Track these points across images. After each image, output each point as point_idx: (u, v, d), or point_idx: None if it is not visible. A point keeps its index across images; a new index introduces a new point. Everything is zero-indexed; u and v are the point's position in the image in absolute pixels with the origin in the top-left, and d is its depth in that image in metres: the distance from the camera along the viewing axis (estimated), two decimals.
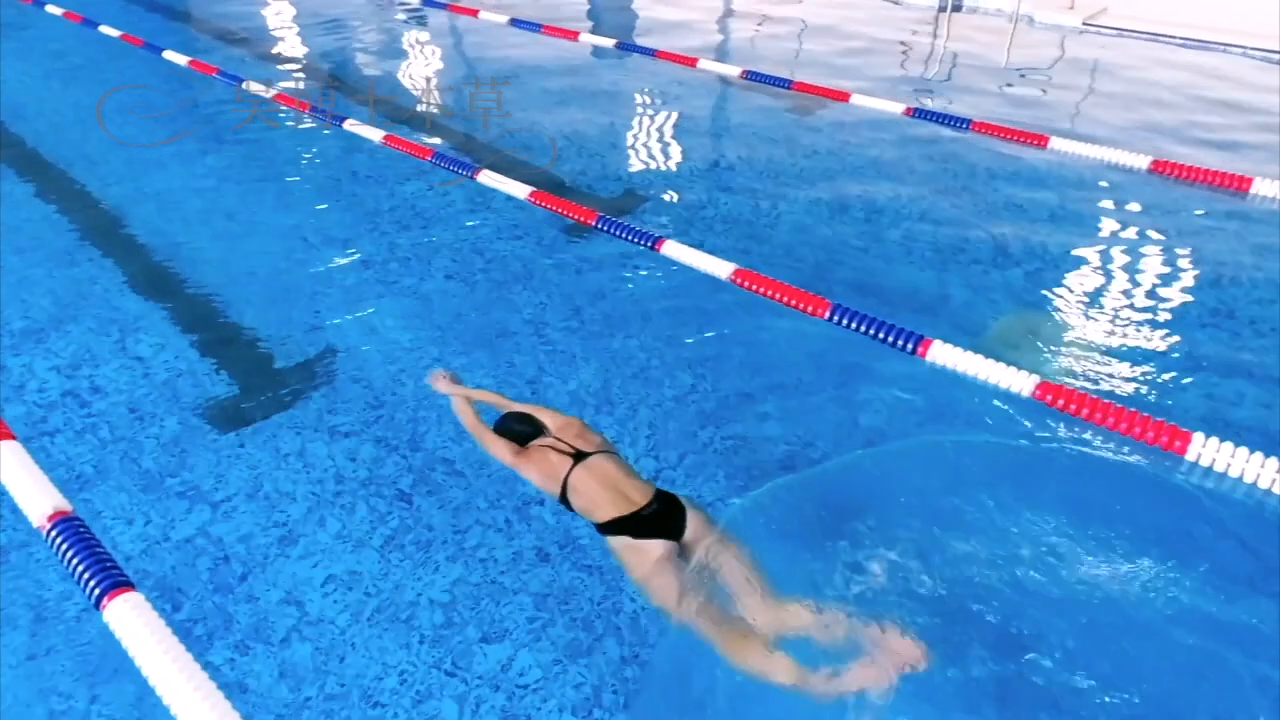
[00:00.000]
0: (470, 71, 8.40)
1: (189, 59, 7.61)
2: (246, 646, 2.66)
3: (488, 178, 5.28)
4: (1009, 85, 7.54)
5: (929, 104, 6.85)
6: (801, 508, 3.18)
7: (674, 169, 6.06)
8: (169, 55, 7.76)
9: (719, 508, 3.17)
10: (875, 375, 3.89)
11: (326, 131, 6.34)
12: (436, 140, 6.52)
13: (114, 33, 8.42)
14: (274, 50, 8.71)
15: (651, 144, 6.52)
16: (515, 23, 9.06)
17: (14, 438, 3.15)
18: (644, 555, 2.73)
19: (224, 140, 6.44)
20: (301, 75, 7.91)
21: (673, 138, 6.63)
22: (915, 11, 9.92)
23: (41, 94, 7.37)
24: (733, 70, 7.44)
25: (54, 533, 2.78)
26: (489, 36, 9.36)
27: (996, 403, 3.57)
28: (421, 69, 8.31)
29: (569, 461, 2.96)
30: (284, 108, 6.70)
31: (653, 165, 6.13)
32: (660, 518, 2.78)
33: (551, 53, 8.47)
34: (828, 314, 3.96)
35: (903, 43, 8.97)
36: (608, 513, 2.81)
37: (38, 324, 4.31)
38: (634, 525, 2.77)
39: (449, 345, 4.19)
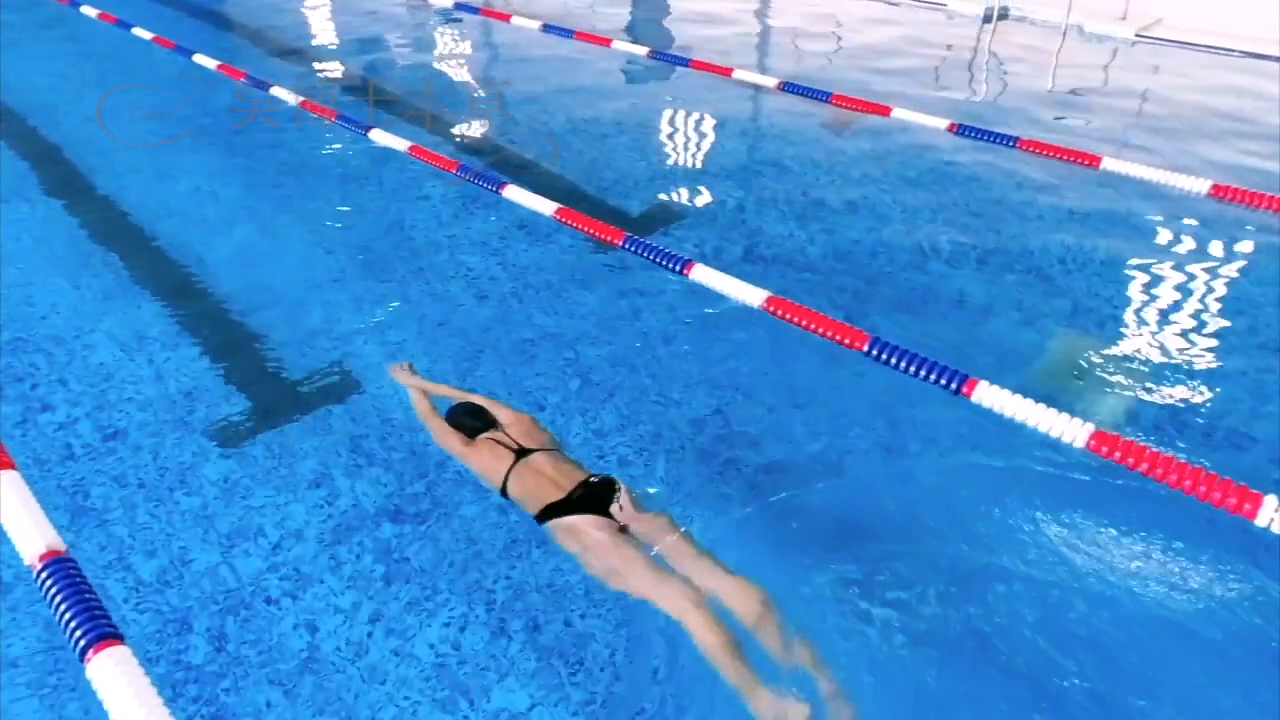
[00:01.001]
0: (500, 79, 8.25)
1: (218, 63, 7.54)
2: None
3: (514, 193, 5.11)
4: (1058, 100, 7.24)
5: (974, 120, 6.57)
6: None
7: (706, 184, 5.86)
8: (199, 59, 7.70)
9: (734, 539, 3.01)
10: (916, 413, 3.67)
11: (352, 140, 6.22)
12: (462, 148, 6.39)
13: (146, 35, 8.39)
14: (304, 55, 8.63)
15: (683, 157, 6.33)
16: (547, 28, 8.90)
17: (14, 466, 3.03)
18: (576, 532, 2.84)
19: (250, 147, 6.34)
20: (330, 81, 7.81)
21: (705, 151, 6.42)
22: (960, 21, 9.61)
23: (72, 96, 7.34)
24: (769, 81, 7.22)
25: (44, 574, 2.64)
26: (520, 42, 9.22)
27: (1047, 452, 3.32)
28: (450, 76, 8.17)
29: (511, 458, 3.09)
30: (311, 115, 6.59)
31: (684, 180, 5.94)
32: (590, 499, 2.89)
33: (583, 60, 8.30)
34: (866, 347, 3.74)
35: (946, 54, 8.69)
36: (540, 503, 2.95)
37: (57, 336, 4.22)
38: (565, 508, 2.89)
39: (469, 364, 4.04)
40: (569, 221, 4.83)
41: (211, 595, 2.90)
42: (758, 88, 7.38)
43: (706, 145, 6.55)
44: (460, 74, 8.27)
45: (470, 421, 3.33)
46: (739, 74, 7.47)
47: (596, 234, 4.68)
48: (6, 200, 5.58)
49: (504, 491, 3.09)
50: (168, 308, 4.48)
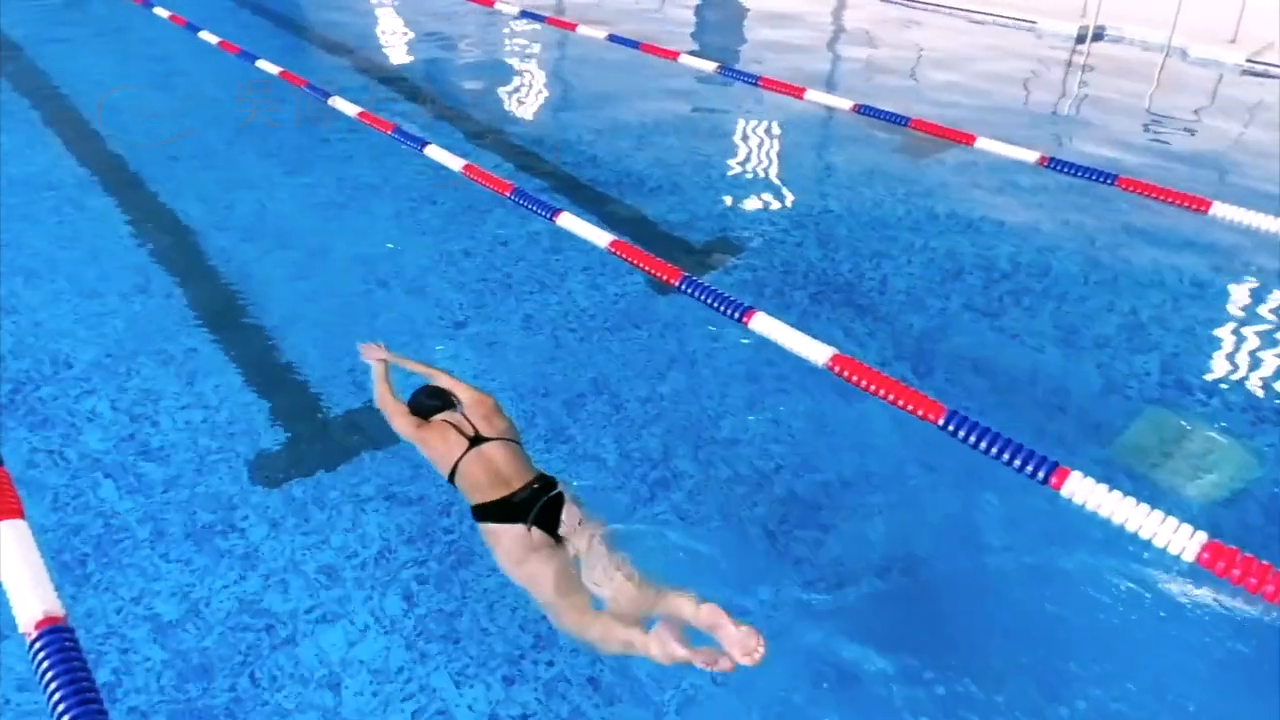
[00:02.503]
0: (562, 92, 8.02)
1: (280, 69, 7.46)
2: None
3: (568, 221, 4.85)
4: (1160, 133, 6.71)
5: (1066, 151, 6.10)
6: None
7: (771, 216, 5.52)
8: (262, 64, 7.63)
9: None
10: (996, 498, 3.30)
11: (407, 156, 6.05)
12: (519, 166, 6.16)
13: (213, 39, 8.38)
14: (366, 61, 8.52)
15: (749, 185, 5.99)
16: (613, 39, 8.64)
17: (21, 515, 2.87)
18: (506, 539, 2.79)
19: (309, 160, 6.22)
20: (390, 91, 7.66)
21: (772, 178, 6.08)
22: (1050, 41, 9.05)
23: (139, 100, 7.33)
24: (843, 103, 6.84)
25: (37, 644, 2.47)
26: (585, 53, 8.98)
27: (1150, 567, 2.92)
28: (510, 87, 7.96)
29: (464, 445, 3.02)
30: (368, 127, 6.45)
31: (748, 210, 5.61)
32: (530, 505, 2.82)
33: (648, 74, 8.01)
34: (941, 421, 3.38)
35: (1036, 77, 8.17)
36: (483, 497, 2.88)
37: (98, 361, 4.11)
38: (503, 510, 2.82)
39: (513, 399, 3.81)
40: (624, 256, 4.55)
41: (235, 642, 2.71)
42: (831, 110, 7.00)
43: (774, 171, 6.21)
44: (521, 86, 8.07)
45: (430, 402, 3.29)
46: (811, 94, 7.11)
47: (653, 271, 4.39)
48: (65, 206, 5.54)
49: (452, 478, 3.04)
50: (212, 330, 4.34)
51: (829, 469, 3.49)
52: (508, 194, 5.23)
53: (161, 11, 9.31)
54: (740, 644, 2.33)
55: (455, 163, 5.66)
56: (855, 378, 3.61)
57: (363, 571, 3.01)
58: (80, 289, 4.64)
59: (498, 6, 10.25)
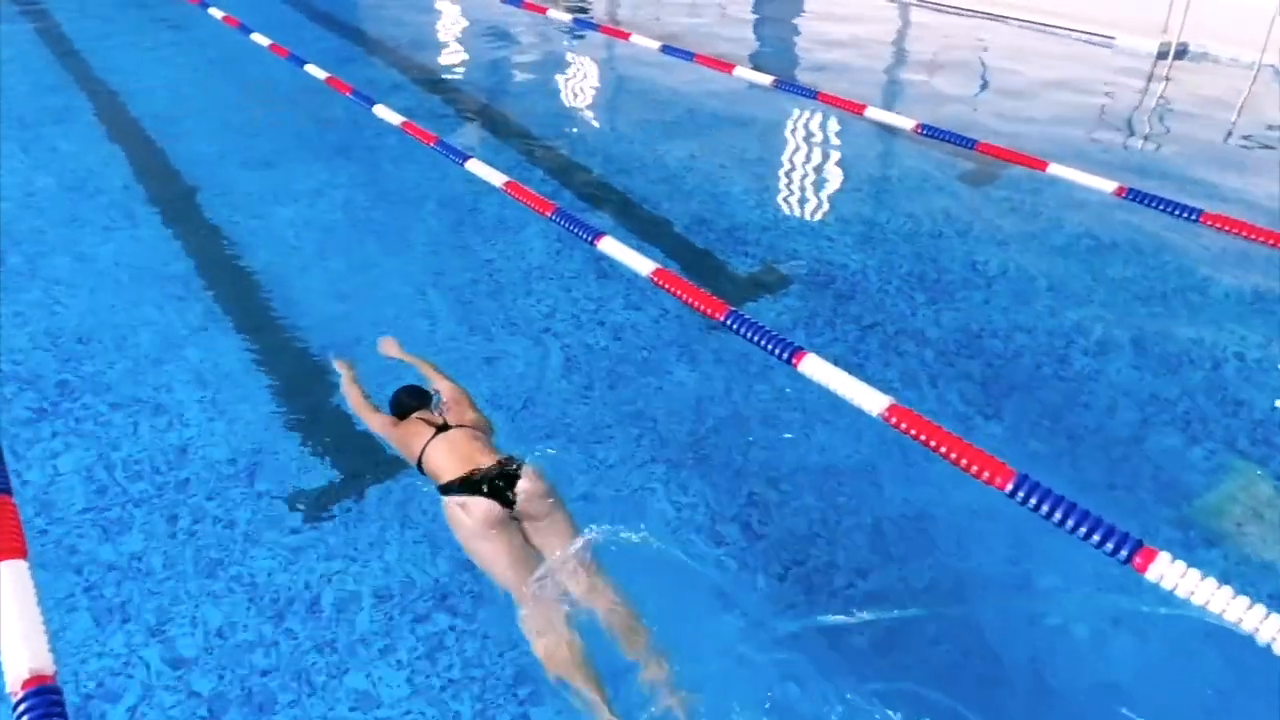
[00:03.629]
0: (612, 105, 7.80)
1: (327, 75, 7.37)
2: None
3: (610, 246, 4.62)
4: (1249, 161, 6.25)
5: (1146, 180, 5.69)
6: None
7: (825, 241, 5.23)
8: (310, 69, 7.55)
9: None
10: (1068, 579, 2.99)
11: (449, 170, 5.87)
12: (564, 182, 5.96)
13: (264, 41, 8.34)
14: (414, 68, 8.40)
15: (801, 208, 5.71)
16: (666, 49, 8.40)
17: (23, 555, 2.72)
18: (462, 512, 2.85)
19: (351, 170, 6.08)
20: (435, 99, 7.52)
21: (827, 200, 5.79)
22: (1129, 58, 8.57)
23: (188, 104, 7.30)
24: (905, 122, 6.50)
25: (21, 706, 2.30)
26: (637, 64, 8.76)
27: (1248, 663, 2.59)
28: (559, 99, 7.76)
29: (431, 432, 3.14)
30: (412, 137, 6.30)
31: (801, 234, 5.32)
32: (490, 480, 2.87)
33: (702, 86, 7.75)
34: (1009, 487, 3.06)
35: (1113, 97, 7.73)
36: (447, 477, 2.96)
37: (136, 374, 4.00)
38: (464, 485, 2.89)
39: (545, 431, 3.64)
40: (667, 286, 4.30)
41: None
42: (892, 129, 6.67)
43: (829, 193, 5.91)
44: (570, 97, 7.87)
45: (410, 402, 3.42)
46: (872, 112, 6.78)
47: (697, 305, 4.14)
48: (112, 210, 5.49)
49: (420, 465, 3.13)
50: (249, 347, 4.22)
51: (882, 529, 3.22)
52: (549, 214, 5.02)
53: (216, 12, 9.31)
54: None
55: (497, 178, 5.47)
56: (914, 431, 3.31)
57: (381, 608, 2.84)
58: (121, 297, 4.57)
59: (550, 14, 10.08)
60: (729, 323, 3.98)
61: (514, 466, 2.92)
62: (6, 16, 9.64)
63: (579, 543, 2.83)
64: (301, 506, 3.28)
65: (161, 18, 9.67)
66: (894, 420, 3.38)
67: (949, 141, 6.22)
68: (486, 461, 2.95)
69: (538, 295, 4.65)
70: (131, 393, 3.86)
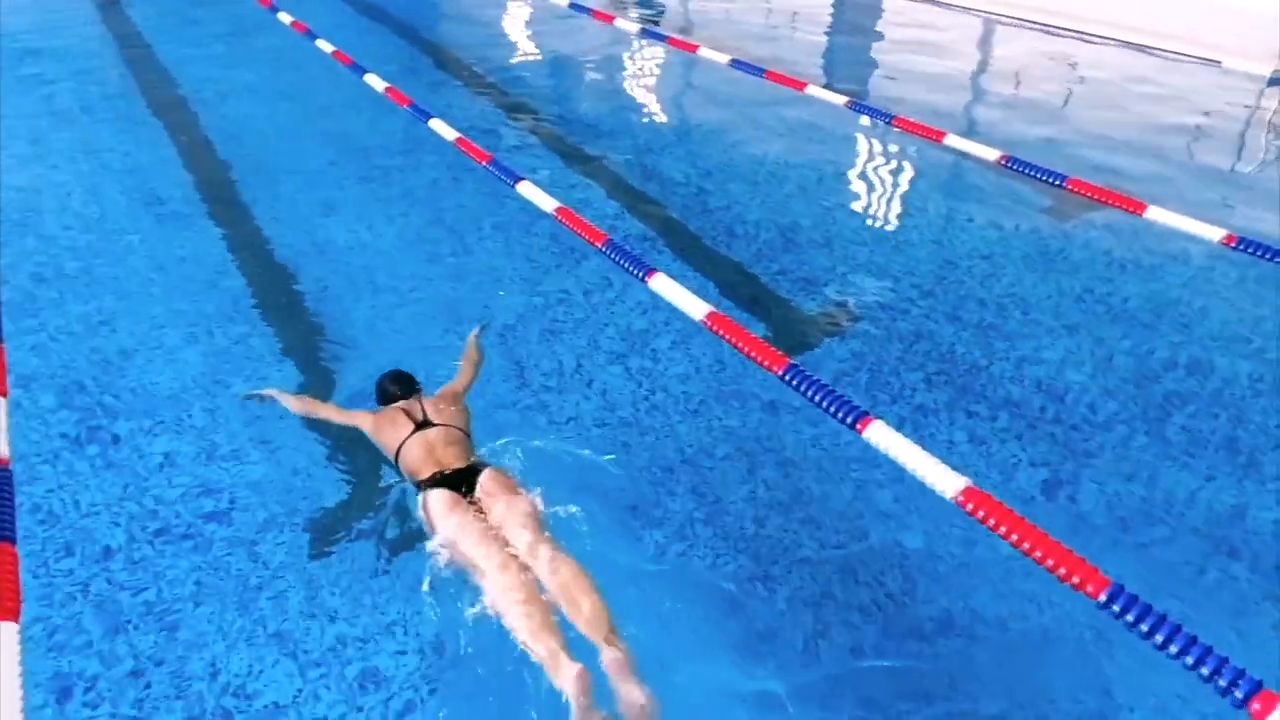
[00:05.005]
0: (676, 124, 7.47)
1: (386, 85, 7.23)
2: None
3: (662, 284, 4.33)
4: None
5: (1258, 228, 5.17)
6: None
7: (895, 281, 4.86)
8: (370, 79, 7.43)
9: None
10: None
11: (502, 192, 5.65)
12: (622, 206, 5.69)
13: (328, 48, 8.26)
14: (475, 80, 8.20)
15: (872, 242, 5.33)
16: (736, 64, 8.06)
17: (15, 617, 2.54)
18: (431, 502, 3.01)
19: (405, 186, 5.92)
20: (493, 113, 7.31)
21: (899, 236, 5.40)
22: (1239, 85, 7.92)
23: (254, 111, 7.24)
24: (988, 152, 6.06)
25: None
26: (705, 79, 8.44)
27: None
28: (620, 115, 7.46)
29: (410, 428, 3.25)
30: (465, 155, 6.10)
31: (869, 272, 4.96)
32: (455, 477, 3.08)
33: (771, 105, 7.39)
34: (1104, 596, 2.68)
35: (1221, 130, 7.12)
36: (419, 475, 3.13)
37: (175, 394, 3.89)
38: (433, 482, 3.07)
39: (585, 480, 3.40)
40: (722, 332, 3.99)
41: None
42: (973, 159, 6.22)
43: (901, 228, 5.51)
44: (632, 113, 7.58)
45: (392, 389, 3.52)
46: (952, 140, 6.34)
47: (754, 355, 3.82)
48: (169, 222, 5.41)
49: (397, 460, 3.23)
50: (292, 370, 4.09)
51: (950, 625, 2.88)
52: (600, 245, 4.75)
53: (285, 17, 9.30)
54: (635, 710, 2.39)
55: (548, 204, 5.22)
56: (992, 521, 2.94)
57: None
58: (171, 313, 4.48)
59: (618, 23, 9.83)
60: (788, 378, 3.65)
61: (479, 465, 3.15)
62: (88, 19, 9.79)
63: (535, 527, 2.92)
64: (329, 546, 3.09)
65: (235, 19, 9.70)
66: (970, 506, 3.01)
67: (1036, 176, 5.77)
68: (457, 464, 3.13)
69: (587, 328, 4.40)
70: (173, 416, 3.75)
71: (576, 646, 2.57)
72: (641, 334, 4.38)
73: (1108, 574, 2.69)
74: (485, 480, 3.06)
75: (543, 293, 4.72)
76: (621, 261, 4.57)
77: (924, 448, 3.17)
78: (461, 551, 2.87)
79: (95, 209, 5.56)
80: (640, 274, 4.43)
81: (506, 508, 2.96)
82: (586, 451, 3.56)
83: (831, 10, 11.33)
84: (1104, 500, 3.41)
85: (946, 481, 3.07)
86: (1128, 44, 8.94)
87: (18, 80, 7.72)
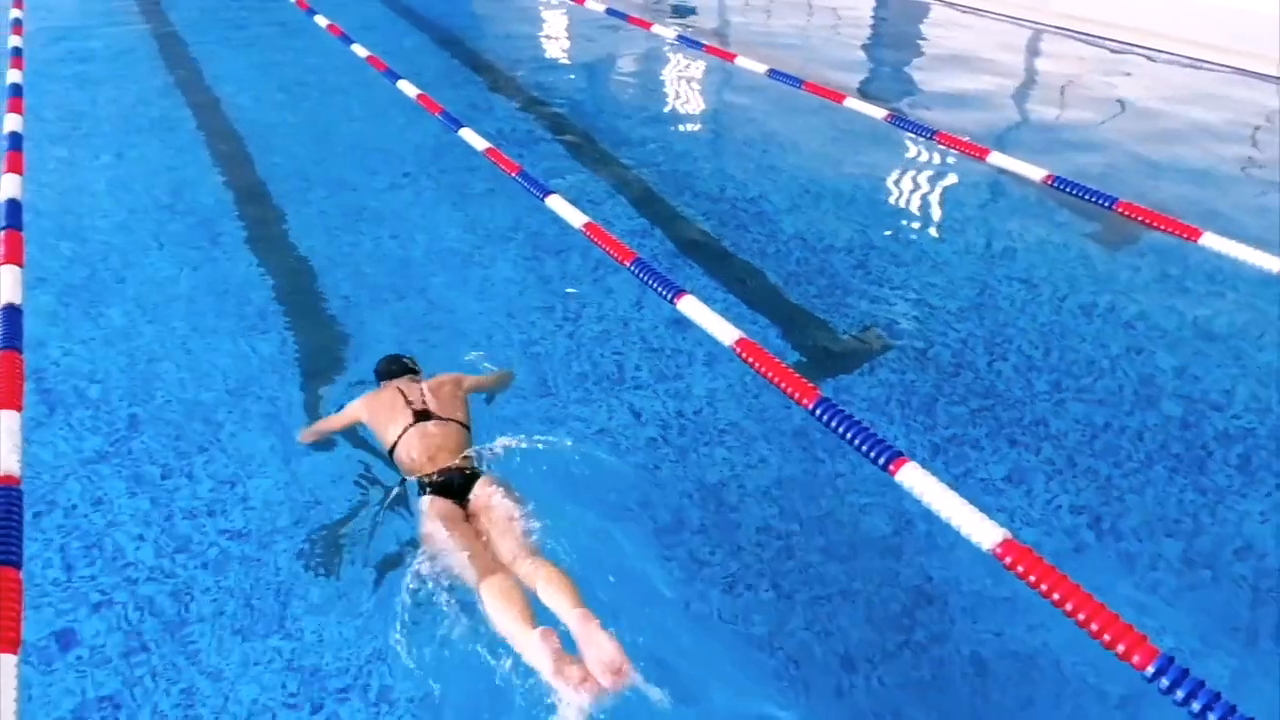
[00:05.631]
0: (711, 135, 7.33)
1: (418, 92, 7.18)
2: None
3: (691, 307, 4.20)
4: None
5: None
6: None
7: (931, 306, 4.69)
8: (402, 85, 7.39)
9: None
10: None
11: (531, 205, 5.55)
12: (653, 220, 5.57)
13: (363, 53, 8.24)
14: (508, 87, 8.13)
15: (909, 264, 5.15)
16: (773, 74, 7.90)
17: (15, 649, 2.49)
18: (426, 508, 3.02)
19: (436, 196, 5.87)
20: (524, 121, 7.23)
21: (937, 260, 5.21)
22: None
23: (287, 117, 7.24)
24: (1034, 172, 5.84)
25: None
26: (741, 89, 8.28)
27: None
28: (653, 126, 7.30)
29: (409, 418, 3.22)
30: (495, 165, 6.02)
31: (905, 296, 4.79)
32: (448, 482, 3.08)
33: (809, 117, 7.24)
34: (1151, 669, 2.50)
35: None
36: (416, 472, 3.14)
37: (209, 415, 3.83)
38: (430, 485, 3.08)
39: (605, 507, 3.31)
40: (751, 360, 3.85)
41: None
42: (1018, 178, 6.01)
43: (940, 251, 5.32)
44: (666, 124, 7.42)
45: (390, 367, 3.57)
46: (996, 158, 6.13)
47: (784, 385, 3.68)
48: (198, 230, 5.39)
49: (392, 453, 3.22)
50: (320, 387, 4.02)
51: (984, 668, 2.72)
52: (628, 263, 4.64)
53: (321, 20, 9.31)
54: (605, 662, 2.37)
55: (577, 218, 5.12)
56: (1033, 578, 2.77)
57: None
58: (197, 325, 4.45)
59: (654, 29, 9.71)
60: (818, 412, 3.50)
61: (474, 471, 3.13)
62: (124, 19, 9.89)
63: (525, 535, 2.91)
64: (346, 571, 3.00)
65: (274, 20, 9.75)
66: (1008, 560, 2.85)
67: (1084, 198, 5.55)
68: (454, 463, 3.12)
69: (614, 348, 4.30)
70: (198, 433, 3.70)
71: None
72: (671, 354, 4.27)
73: (1155, 637, 2.52)
74: (481, 487, 3.04)
75: (570, 307, 4.62)
76: (650, 281, 4.45)
77: (959, 485, 3.01)
78: (447, 557, 2.89)
79: (126, 214, 5.57)
80: (669, 295, 4.31)
81: (498, 516, 2.95)
82: (606, 469, 3.48)
83: (873, 20, 11.12)
84: (1148, 545, 3.24)
85: (984, 533, 2.90)
86: (1182, 57, 8.64)
87: (59, 81, 7.80)
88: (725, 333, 3.99)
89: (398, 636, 2.76)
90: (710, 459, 3.63)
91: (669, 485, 3.49)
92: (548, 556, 2.84)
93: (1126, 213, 5.34)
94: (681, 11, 11.07)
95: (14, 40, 8.25)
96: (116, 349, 4.26)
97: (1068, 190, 5.64)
